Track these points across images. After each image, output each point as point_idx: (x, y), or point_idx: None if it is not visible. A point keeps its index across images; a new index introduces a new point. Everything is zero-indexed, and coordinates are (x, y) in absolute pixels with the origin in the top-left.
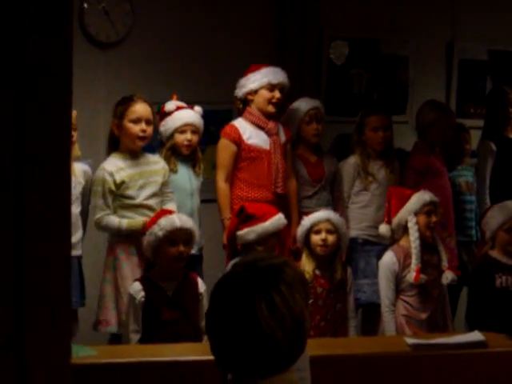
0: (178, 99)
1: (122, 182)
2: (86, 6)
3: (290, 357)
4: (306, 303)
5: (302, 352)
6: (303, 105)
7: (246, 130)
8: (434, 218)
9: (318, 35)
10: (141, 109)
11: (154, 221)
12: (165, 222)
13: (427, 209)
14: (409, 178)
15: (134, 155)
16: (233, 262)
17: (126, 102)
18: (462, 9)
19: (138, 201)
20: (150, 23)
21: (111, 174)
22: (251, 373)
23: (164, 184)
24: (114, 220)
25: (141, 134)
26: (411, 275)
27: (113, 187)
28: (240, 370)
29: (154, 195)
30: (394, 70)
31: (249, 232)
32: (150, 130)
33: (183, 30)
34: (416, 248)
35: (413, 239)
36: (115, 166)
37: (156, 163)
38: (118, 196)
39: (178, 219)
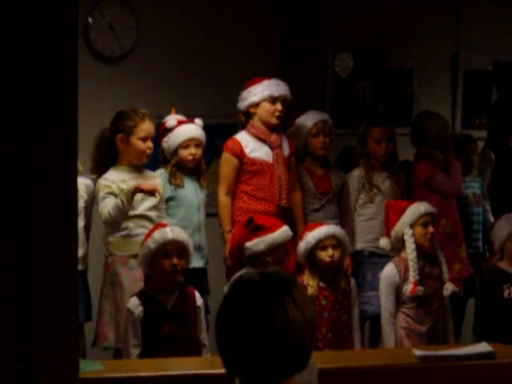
0: (184, 113)
1: None
2: (90, 20)
3: (293, 362)
4: (313, 319)
5: (307, 358)
6: (310, 118)
7: (249, 144)
8: (431, 229)
9: (322, 48)
10: (149, 127)
11: (148, 234)
12: (157, 235)
13: (423, 220)
14: (419, 193)
15: (135, 169)
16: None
17: (133, 118)
18: (466, 20)
19: (138, 211)
20: (154, 37)
21: (113, 182)
22: (256, 376)
23: (160, 200)
24: (112, 201)
25: (148, 152)
26: (408, 287)
27: (117, 192)
28: (246, 374)
29: (153, 207)
30: (399, 82)
31: (258, 242)
32: (152, 146)
33: (188, 43)
34: (412, 260)
35: (409, 251)
36: (117, 178)
37: (154, 178)
38: None
39: (171, 232)
